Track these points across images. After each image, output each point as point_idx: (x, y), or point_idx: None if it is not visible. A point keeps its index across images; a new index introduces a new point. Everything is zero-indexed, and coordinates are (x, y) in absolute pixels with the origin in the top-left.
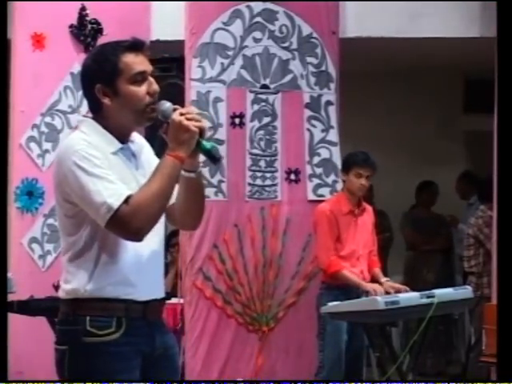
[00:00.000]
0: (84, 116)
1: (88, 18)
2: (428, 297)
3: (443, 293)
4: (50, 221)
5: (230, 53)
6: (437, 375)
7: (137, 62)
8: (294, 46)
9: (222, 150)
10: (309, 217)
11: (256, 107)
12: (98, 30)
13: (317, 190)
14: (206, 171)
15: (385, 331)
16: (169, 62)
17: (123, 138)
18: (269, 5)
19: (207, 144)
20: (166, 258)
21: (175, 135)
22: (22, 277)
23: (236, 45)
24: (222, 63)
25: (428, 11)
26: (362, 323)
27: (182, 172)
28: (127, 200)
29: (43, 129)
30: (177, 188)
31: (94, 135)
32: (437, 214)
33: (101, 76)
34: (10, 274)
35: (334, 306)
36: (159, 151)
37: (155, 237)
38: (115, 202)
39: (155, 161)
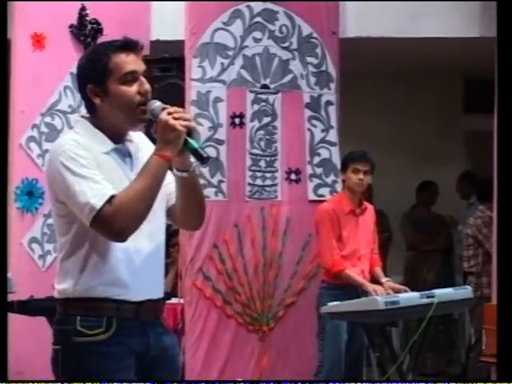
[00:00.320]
0: (82, 116)
1: (88, 18)
2: (428, 297)
3: (443, 293)
4: (50, 221)
5: (230, 53)
6: (437, 375)
7: (127, 62)
8: (294, 46)
9: (222, 150)
10: (309, 217)
11: (256, 107)
12: (97, 30)
13: (317, 189)
14: (206, 171)
15: (385, 331)
16: (169, 62)
17: (117, 137)
18: (269, 5)
19: (194, 143)
20: (166, 258)
21: (162, 134)
22: (21, 277)
23: (236, 45)
24: (222, 63)
25: (428, 11)
26: (362, 323)
27: (175, 171)
28: (110, 200)
29: (43, 129)
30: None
31: (86, 135)
32: (437, 214)
33: (92, 76)
34: (9, 274)
35: (334, 306)
36: None
37: (153, 236)
38: (98, 202)
39: None
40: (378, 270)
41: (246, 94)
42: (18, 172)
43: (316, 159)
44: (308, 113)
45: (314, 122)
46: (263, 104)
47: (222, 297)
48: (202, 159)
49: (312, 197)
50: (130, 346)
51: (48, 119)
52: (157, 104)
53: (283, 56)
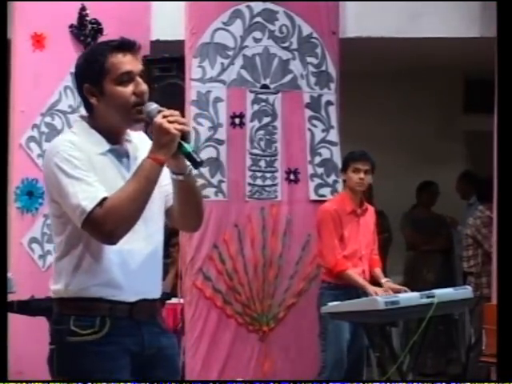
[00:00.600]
0: (81, 116)
1: (88, 18)
2: (428, 297)
3: (443, 293)
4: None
5: (230, 53)
6: (437, 375)
7: (124, 62)
8: (294, 45)
9: (222, 150)
10: (309, 217)
11: (256, 107)
12: (98, 30)
13: (318, 189)
14: (206, 171)
15: (385, 331)
16: (169, 62)
17: (114, 137)
18: (269, 5)
19: (188, 147)
20: (166, 258)
21: (156, 137)
22: (22, 277)
23: (236, 45)
24: (222, 63)
25: (428, 11)
26: (362, 323)
27: (171, 174)
28: (102, 202)
29: (43, 129)
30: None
31: (82, 135)
32: (437, 214)
33: (88, 75)
34: (9, 274)
35: (334, 306)
36: None
37: (150, 238)
38: (89, 204)
39: None
40: (378, 271)
41: (246, 94)
42: (18, 172)
43: (317, 159)
44: (308, 113)
45: (315, 121)
46: (263, 104)
47: (222, 297)
48: (196, 163)
49: (313, 197)
50: (124, 345)
51: (48, 119)
52: (153, 106)
53: (283, 56)
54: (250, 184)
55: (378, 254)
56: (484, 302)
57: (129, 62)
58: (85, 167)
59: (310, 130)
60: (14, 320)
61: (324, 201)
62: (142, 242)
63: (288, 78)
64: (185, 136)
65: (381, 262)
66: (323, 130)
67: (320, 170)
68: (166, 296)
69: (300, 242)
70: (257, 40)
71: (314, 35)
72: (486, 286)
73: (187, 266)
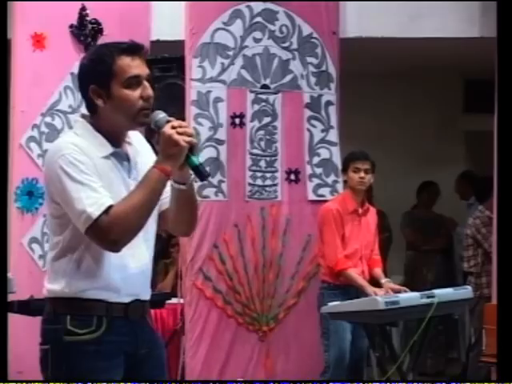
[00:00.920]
0: (82, 115)
1: (88, 18)
2: (428, 297)
3: (443, 293)
4: None
5: (231, 53)
6: (437, 375)
7: (132, 66)
8: (294, 46)
9: (222, 150)
10: (309, 217)
11: (256, 107)
12: (98, 30)
13: (317, 190)
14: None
15: (385, 331)
16: (169, 62)
17: (116, 140)
18: (269, 5)
19: (196, 160)
20: (166, 258)
21: (164, 148)
22: (21, 277)
23: (236, 45)
24: (223, 63)
25: (428, 11)
26: (362, 323)
27: (172, 183)
28: (108, 210)
29: (43, 129)
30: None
31: (86, 138)
32: (437, 214)
33: (95, 77)
34: (10, 275)
35: (334, 306)
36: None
37: (148, 241)
38: (95, 211)
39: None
40: (379, 271)
41: (246, 94)
42: (18, 172)
43: (316, 159)
44: (308, 113)
45: (314, 122)
46: (263, 104)
47: (222, 297)
48: (202, 176)
49: (312, 197)
50: (119, 344)
51: (48, 119)
52: (161, 116)
53: (283, 56)
54: (250, 184)
55: (379, 254)
56: (484, 302)
57: (137, 66)
58: (90, 171)
59: (308, 130)
60: (14, 320)
61: (323, 201)
62: (142, 247)
63: (288, 78)
64: (192, 148)
65: (382, 263)
66: (323, 130)
67: (319, 170)
68: (166, 296)
69: (300, 242)
70: (257, 40)
71: (314, 35)
72: (486, 286)
73: (187, 265)
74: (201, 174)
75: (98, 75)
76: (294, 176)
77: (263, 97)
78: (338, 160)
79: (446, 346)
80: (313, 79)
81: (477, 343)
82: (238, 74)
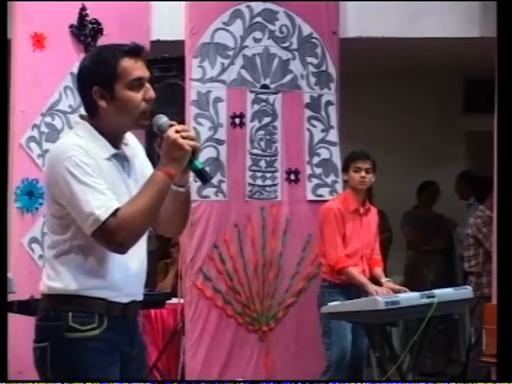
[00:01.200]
0: (81, 117)
1: (88, 18)
2: (428, 297)
3: (443, 293)
4: None
5: (231, 53)
6: (437, 375)
7: (135, 68)
8: (294, 46)
9: (222, 150)
10: (309, 217)
11: (256, 107)
12: (98, 30)
13: (316, 190)
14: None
15: (385, 331)
16: (169, 62)
17: (116, 142)
18: (269, 5)
19: (199, 164)
20: (166, 258)
21: (168, 152)
22: (21, 277)
23: (236, 45)
24: (223, 63)
25: (428, 11)
26: (362, 323)
27: (172, 185)
28: (115, 213)
29: (43, 129)
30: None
31: (88, 139)
32: (437, 213)
33: (99, 78)
34: (10, 275)
35: (334, 306)
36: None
37: (143, 243)
38: (103, 214)
39: (148, 165)
40: (379, 271)
41: (246, 94)
42: (18, 172)
43: (315, 159)
44: (308, 113)
45: (314, 122)
46: (263, 104)
47: (222, 297)
48: (205, 180)
49: (311, 197)
50: (118, 343)
51: (48, 119)
52: (164, 119)
53: (283, 56)
54: (250, 184)
55: (379, 254)
56: (485, 302)
57: (140, 68)
58: (95, 174)
59: (308, 130)
60: (14, 320)
61: (323, 201)
62: (141, 247)
63: (288, 78)
64: (194, 152)
65: (382, 263)
66: (323, 130)
67: (318, 171)
68: (166, 296)
69: (300, 242)
70: (257, 40)
71: (314, 35)
72: (486, 286)
73: (187, 265)
74: (203, 177)
75: (101, 76)
76: (294, 176)
77: (263, 97)
78: (337, 160)
79: (445, 346)
80: (313, 79)
81: (477, 343)
82: (237, 74)
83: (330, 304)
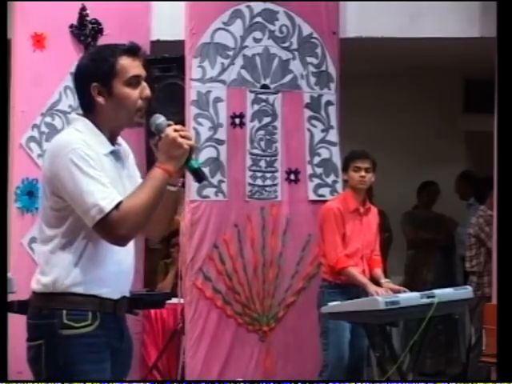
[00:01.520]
0: (78, 114)
1: (88, 18)
2: (428, 297)
3: (443, 293)
4: None
5: (230, 53)
6: (437, 375)
7: (133, 66)
8: (294, 46)
9: (222, 150)
10: (309, 217)
11: (256, 107)
12: (98, 30)
13: (317, 189)
14: (206, 171)
15: (385, 331)
16: (169, 62)
17: (113, 139)
18: (269, 5)
19: (195, 163)
20: (166, 258)
21: (167, 150)
22: (21, 277)
23: (236, 45)
24: (222, 63)
25: (428, 11)
26: (362, 323)
27: None
28: (118, 206)
29: (43, 129)
30: None
31: (89, 135)
32: (437, 213)
33: (98, 75)
34: (10, 274)
35: (334, 306)
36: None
37: (132, 240)
38: (107, 205)
39: (136, 169)
40: (379, 271)
41: (246, 94)
42: (18, 172)
43: (316, 159)
44: (308, 113)
45: (314, 122)
46: (263, 104)
47: (222, 297)
48: (201, 179)
49: (312, 197)
50: (109, 339)
51: (48, 119)
52: (162, 119)
53: (283, 56)
54: (250, 184)
55: (379, 254)
56: (485, 302)
57: (137, 67)
58: (98, 167)
59: (309, 130)
60: (14, 320)
61: (323, 201)
62: (131, 242)
63: (288, 78)
64: (191, 151)
65: (382, 263)
66: (323, 130)
67: (319, 170)
68: (166, 296)
69: (300, 242)
70: (257, 40)
71: (314, 35)
72: (487, 286)
73: (187, 265)
74: (199, 176)
75: (100, 74)
76: (294, 176)
77: (263, 97)
78: (337, 160)
79: (445, 346)
80: (313, 79)
81: (477, 343)
82: (237, 74)
83: (330, 304)
